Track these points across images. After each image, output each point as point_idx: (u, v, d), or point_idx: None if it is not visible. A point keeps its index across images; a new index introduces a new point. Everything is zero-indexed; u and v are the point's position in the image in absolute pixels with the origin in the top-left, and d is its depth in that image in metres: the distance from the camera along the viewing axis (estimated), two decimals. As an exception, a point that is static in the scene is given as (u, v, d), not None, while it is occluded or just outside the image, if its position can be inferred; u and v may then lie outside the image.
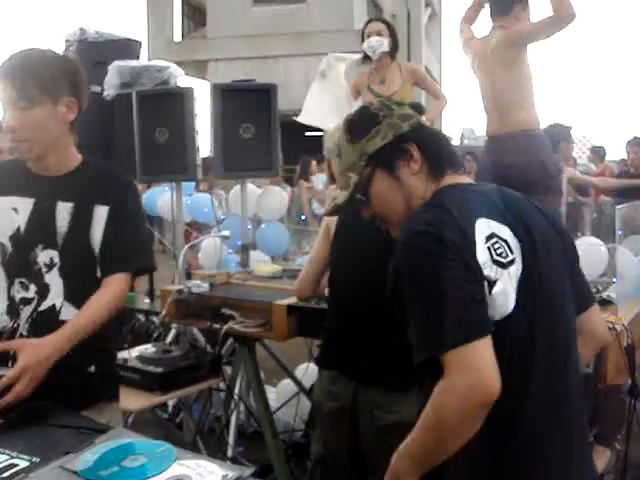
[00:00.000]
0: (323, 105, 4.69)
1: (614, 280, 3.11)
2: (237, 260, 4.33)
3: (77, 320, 2.02)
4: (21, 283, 2.12)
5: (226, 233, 3.74)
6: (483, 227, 1.52)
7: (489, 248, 1.50)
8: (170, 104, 4.02)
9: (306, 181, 8.92)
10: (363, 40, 4.66)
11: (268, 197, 4.62)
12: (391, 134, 1.71)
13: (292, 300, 3.01)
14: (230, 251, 4.72)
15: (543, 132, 4.37)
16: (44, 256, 2.11)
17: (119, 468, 1.17)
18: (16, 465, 1.32)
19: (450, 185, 1.68)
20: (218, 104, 4.03)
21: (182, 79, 4.91)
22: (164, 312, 3.32)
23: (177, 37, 27.35)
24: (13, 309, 2.11)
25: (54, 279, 2.11)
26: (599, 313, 1.84)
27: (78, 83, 2.15)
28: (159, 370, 2.95)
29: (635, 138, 6.63)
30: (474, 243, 1.49)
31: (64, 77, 2.11)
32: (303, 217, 8.23)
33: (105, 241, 2.13)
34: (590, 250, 3.32)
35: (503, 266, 1.50)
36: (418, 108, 1.82)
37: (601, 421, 2.24)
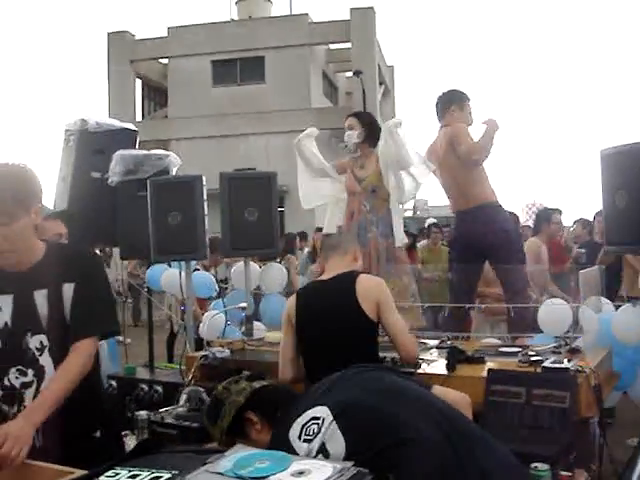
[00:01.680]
0: (317, 185, 5.15)
1: (577, 336, 3.68)
2: (239, 331, 4.78)
3: (46, 393, 2.30)
4: (18, 370, 2.39)
5: (244, 305, 4.20)
6: (294, 432, 2.06)
7: (305, 440, 2.01)
8: (181, 191, 4.51)
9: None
10: None
11: (270, 272, 5.12)
12: (233, 410, 2.32)
13: (307, 361, 3.47)
14: (229, 323, 5.16)
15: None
16: (34, 341, 2.39)
17: (253, 468, 1.62)
18: (160, 477, 1.74)
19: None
20: (225, 191, 4.55)
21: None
22: (190, 376, 3.74)
23: (138, 117, 27.86)
24: (11, 396, 2.38)
25: (46, 360, 2.40)
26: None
27: (40, 189, 2.43)
28: (195, 425, 3.35)
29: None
30: (294, 450, 1.98)
31: (33, 188, 2.39)
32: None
33: (72, 311, 2.40)
34: (557, 309, 3.89)
35: (319, 430, 2.01)
36: (252, 377, 2.46)
37: (578, 447, 2.74)
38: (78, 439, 2.32)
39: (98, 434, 2.51)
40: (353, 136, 4.99)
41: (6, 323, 2.38)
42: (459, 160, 4.93)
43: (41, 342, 2.39)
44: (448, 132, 5.02)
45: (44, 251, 2.44)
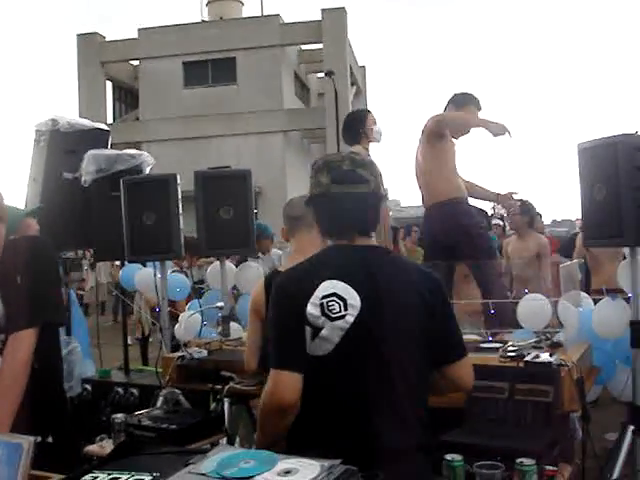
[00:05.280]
0: None
1: (557, 330, 3.67)
2: (215, 331, 4.70)
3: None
4: None
5: (220, 304, 4.13)
6: (326, 287, 2.04)
7: (322, 304, 2.01)
8: (156, 190, 4.45)
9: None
10: (361, 127, 5.04)
11: (246, 272, 5.05)
12: (310, 190, 2.26)
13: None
14: (205, 323, 5.08)
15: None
16: None
17: (237, 468, 1.57)
18: (141, 479, 1.68)
19: (330, 247, 2.26)
20: (200, 189, 4.49)
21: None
22: (167, 377, 3.67)
23: (109, 119, 27.63)
24: None
25: None
26: (468, 367, 2.32)
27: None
28: (173, 427, 3.29)
29: None
30: (308, 298, 2.02)
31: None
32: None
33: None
34: (537, 304, 3.88)
35: (331, 319, 2.01)
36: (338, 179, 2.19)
37: (562, 441, 2.72)
38: None
39: (50, 439, 2.42)
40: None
41: None
42: (430, 156, 4.88)
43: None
44: (427, 126, 4.93)
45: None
